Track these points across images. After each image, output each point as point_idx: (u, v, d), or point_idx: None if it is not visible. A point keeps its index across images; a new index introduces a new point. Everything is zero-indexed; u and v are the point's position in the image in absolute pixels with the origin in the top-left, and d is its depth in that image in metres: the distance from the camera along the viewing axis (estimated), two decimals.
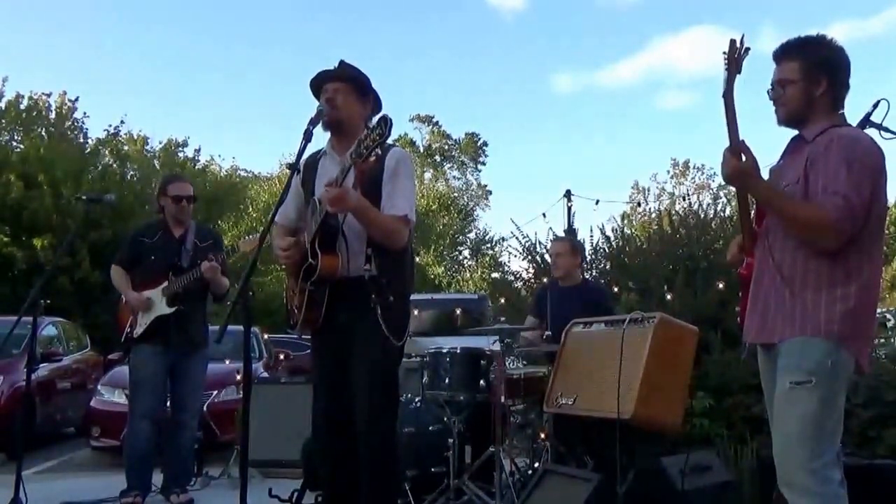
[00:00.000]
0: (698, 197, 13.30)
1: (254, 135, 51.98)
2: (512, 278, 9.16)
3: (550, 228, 8.28)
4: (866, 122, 2.58)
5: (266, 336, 9.47)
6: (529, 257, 7.55)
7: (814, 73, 2.37)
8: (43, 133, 17.10)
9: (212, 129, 48.80)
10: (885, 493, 3.28)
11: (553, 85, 50.88)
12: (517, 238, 7.67)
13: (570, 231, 8.94)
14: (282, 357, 8.87)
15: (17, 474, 3.77)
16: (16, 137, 16.88)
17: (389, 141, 2.69)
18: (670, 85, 52.49)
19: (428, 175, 37.30)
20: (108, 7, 45.55)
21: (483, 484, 3.95)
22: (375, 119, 2.64)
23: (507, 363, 4.25)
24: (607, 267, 6.93)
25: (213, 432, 6.08)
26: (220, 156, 30.90)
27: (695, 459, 3.67)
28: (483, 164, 39.72)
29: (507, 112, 51.75)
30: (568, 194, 11.14)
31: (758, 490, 3.83)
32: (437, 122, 39.14)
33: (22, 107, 17.04)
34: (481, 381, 4.00)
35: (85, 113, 18.55)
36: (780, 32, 42.48)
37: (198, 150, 21.84)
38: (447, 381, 4.05)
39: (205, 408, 5.80)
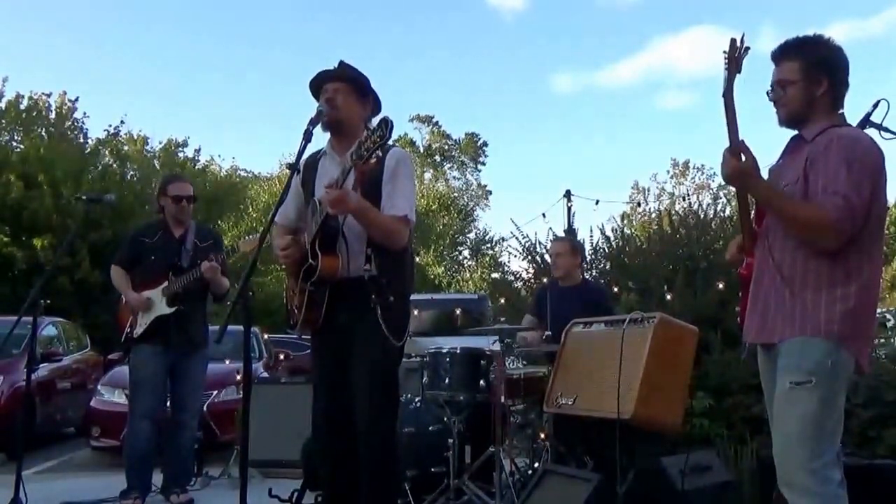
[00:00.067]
0: (698, 197, 13.34)
1: (254, 135, 52.08)
2: (512, 278, 9.17)
3: (550, 228, 8.30)
4: (866, 122, 2.58)
5: (266, 336, 9.47)
6: (529, 257, 7.55)
7: (814, 72, 2.37)
8: (43, 133, 17.11)
9: (212, 129, 48.88)
10: (885, 493, 3.28)
11: (553, 85, 50.98)
12: (517, 238, 7.68)
13: (570, 231, 8.95)
14: (282, 357, 8.88)
15: (17, 474, 3.78)
16: (16, 137, 16.88)
17: (389, 142, 2.69)
18: (670, 85, 52.59)
19: (428, 175, 37.30)
20: (108, 7, 45.60)
21: (483, 484, 3.95)
22: (376, 121, 2.63)
23: (507, 363, 4.25)
24: (607, 267, 6.93)
25: (213, 432, 6.07)
26: (220, 156, 31.03)
27: (695, 459, 3.66)
28: (483, 164, 39.79)
29: (507, 112, 51.85)
30: (568, 194, 11.16)
31: (758, 490, 3.83)
32: (437, 123, 39.20)
33: (22, 107, 17.05)
34: (481, 381, 4.00)
35: (85, 113, 18.63)
36: (779, 32, 42.51)
37: (198, 151, 21.91)
38: (447, 381, 4.05)
39: (205, 408, 5.80)
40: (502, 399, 3.89)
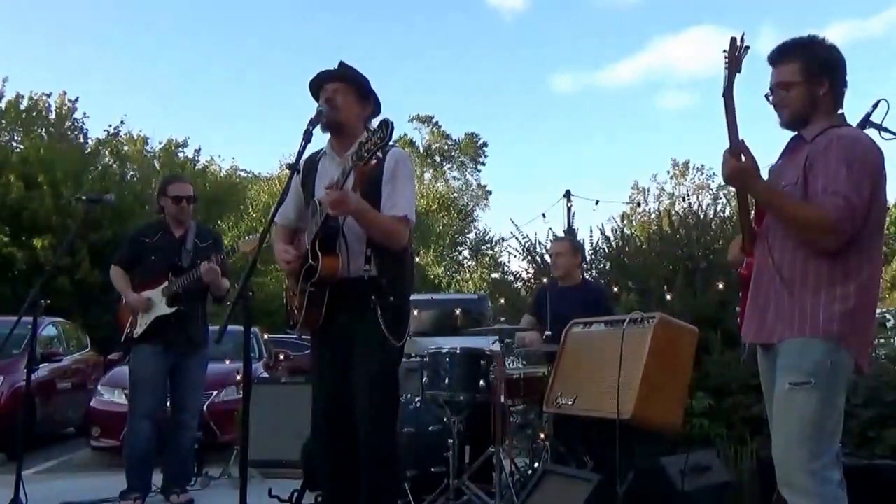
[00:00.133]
0: (698, 197, 13.33)
1: (254, 135, 52.04)
2: (512, 278, 9.18)
3: (550, 229, 8.31)
4: (866, 122, 2.59)
5: (266, 336, 9.47)
6: (529, 257, 7.56)
7: (815, 73, 2.37)
8: (43, 133, 17.12)
9: (212, 130, 48.87)
10: (885, 493, 3.28)
11: (553, 85, 50.96)
12: (517, 238, 7.69)
13: (570, 231, 8.94)
14: (282, 357, 8.87)
15: (17, 474, 3.78)
16: (16, 138, 16.89)
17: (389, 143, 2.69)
18: (670, 85, 52.55)
19: (428, 175, 37.30)
20: (108, 7, 45.57)
21: (483, 484, 3.95)
22: (376, 122, 2.63)
23: (506, 363, 4.25)
24: (607, 267, 6.94)
25: (213, 432, 6.07)
26: (220, 156, 30.98)
27: (695, 459, 3.66)
28: (483, 164, 39.77)
29: (506, 112, 51.81)
30: (568, 194, 11.14)
31: (758, 490, 3.83)
32: (436, 123, 39.18)
33: (22, 107, 17.07)
34: (481, 382, 4.00)
35: (85, 113, 18.70)
36: (779, 32, 42.53)
37: (198, 151, 21.90)
38: (447, 381, 4.05)
39: (205, 408, 5.79)
40: (502, 399, 3.90)
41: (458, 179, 39.35)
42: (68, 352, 8.64)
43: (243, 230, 20.24)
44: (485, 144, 39.53)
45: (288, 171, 3.14)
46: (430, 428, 4.27)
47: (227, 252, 4.47)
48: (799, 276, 2.32)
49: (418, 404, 4.39)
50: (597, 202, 10.71)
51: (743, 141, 2.36)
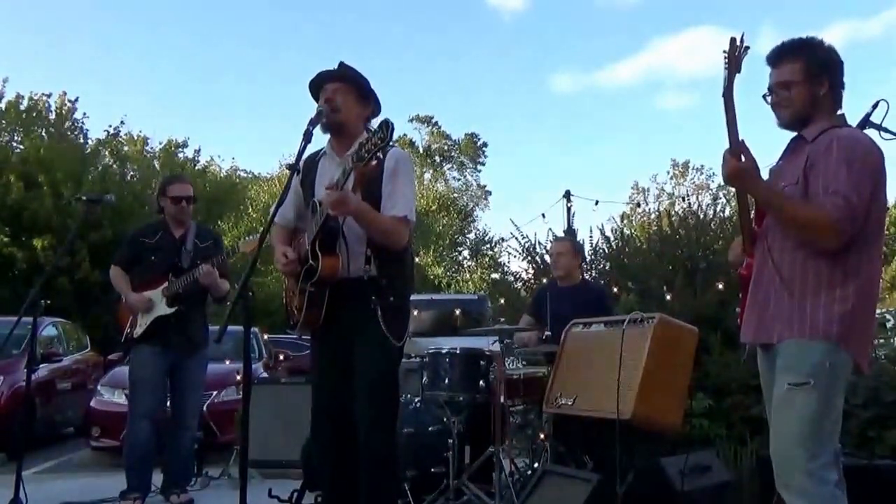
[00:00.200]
0: (698, 197, 13.31)
1: (254, 135, 52.06)
2: (512, 279, 9.18)
3: (550, 229, 8.30)
4: (866, 122, 2.59)
5: (266, 336, 9.48)
6: (529, 258, 7.56)
7: (816, 73, 2.38)
8: (43, 133, 17.10)
9: (212, 129, 48.85)
10: (884, 493, 3.28)
11: (553, 85, 50.95)
12: (517, 238, 7.68)
13: (570, 231, 8.96)
14: (282, 357, 8.88)
15: (17, 474, 3.78)
16: (16, 138, 16.88)
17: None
18: (670, 85, 52.57)
19: (427, 175, 37.29)
20: (108, 7, 45.60)
21: (483, 484, 3.95)
22: (377, 122, 2.64)
23: (506, 363, 4.25)
24: (607, 267, 6.94)
25: (213, 432, 6.07)
26: (220, 156, 30.93)
27: (694, 459, 3.67)
28: (483, 164, 39.76)
29: (506, 112, 51.82)
30: (567, 195, 11.17)
31: (757, 490, 3.83)
32: (436, 123, 39.16)
33: (22, 107, 17.05)
34: (481, 382, 4.00)
35: (85, 113, 18.66)
36: (779, 33, 42.56)
37: (198, 151, 21.84)
38: (447, 381, 4.05)
39: (205, 408, 5.80)
40: (502, 399, 3.90)
41: (458, 180, 39.40)
42: (68, 352, 8.64)
43: (243, 230, 20.22)
44: (484, 145, 39.58)
45: (288, 171, 3.14)
46: (430, 428, 4.27)
47: (227, 252, 4.47)
48: (798, 276, 2.32)
49: (418, 404, 4.39)
50: (596, 202, 10.75)
51: (743, 141, 2.36)
